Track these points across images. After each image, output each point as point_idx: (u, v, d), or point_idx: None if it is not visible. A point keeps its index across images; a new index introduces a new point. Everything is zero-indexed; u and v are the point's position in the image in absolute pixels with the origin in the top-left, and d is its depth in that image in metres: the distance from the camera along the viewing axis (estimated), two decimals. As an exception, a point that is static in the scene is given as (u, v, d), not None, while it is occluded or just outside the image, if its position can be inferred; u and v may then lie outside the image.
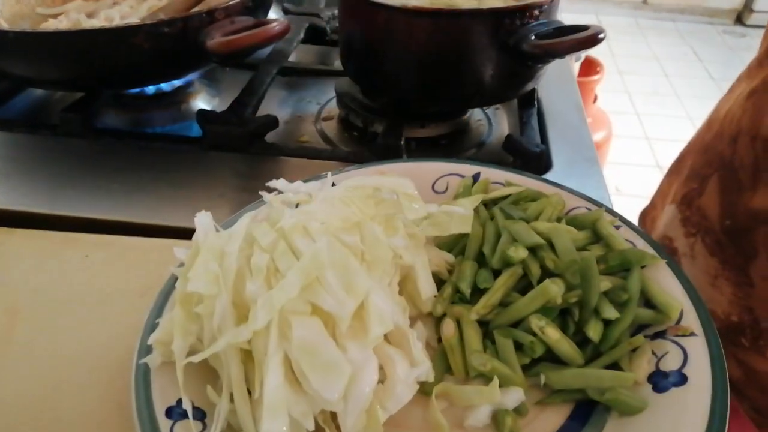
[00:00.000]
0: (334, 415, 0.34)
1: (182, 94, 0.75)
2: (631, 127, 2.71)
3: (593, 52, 2.30)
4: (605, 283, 0.39)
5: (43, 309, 0.44)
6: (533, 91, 0.72)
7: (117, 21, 0.71)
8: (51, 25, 0.72)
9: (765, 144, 0.49)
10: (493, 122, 0.74)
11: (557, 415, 0.36)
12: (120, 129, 0.70)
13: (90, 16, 0.75)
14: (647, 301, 0.40)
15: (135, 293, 0.46)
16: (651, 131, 2.70)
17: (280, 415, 0.32)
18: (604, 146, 1.89)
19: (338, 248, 0.38)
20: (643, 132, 2.69)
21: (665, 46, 3.51)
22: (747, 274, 0.52)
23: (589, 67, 1.94)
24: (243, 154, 0.63)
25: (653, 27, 3.75)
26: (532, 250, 0.40)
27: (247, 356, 0.35)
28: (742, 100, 0.52)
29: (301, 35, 0.84)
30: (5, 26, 0.69)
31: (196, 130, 0.69)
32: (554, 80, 0.79)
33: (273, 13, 0.86)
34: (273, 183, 0.46)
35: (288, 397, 0.33)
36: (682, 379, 0.35)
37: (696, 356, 0.36)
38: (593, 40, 0.55)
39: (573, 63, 1.21)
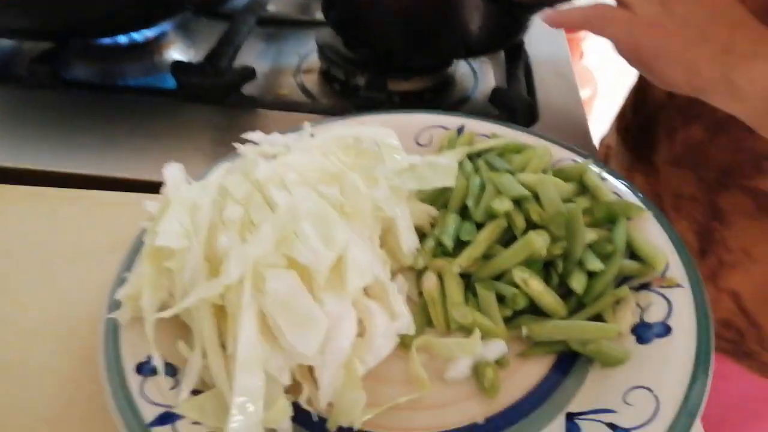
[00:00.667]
0: (311, 369, 0.33)
1: (155, 45, 0.72)
2: (617, 86, 2.69)
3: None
4: (591, 235, 0.38)
5: (9, 265, 0.42)
6: (521, 43, 0.70)
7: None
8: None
9: None
10: (479, 76, 0.72)
11: (539, 366, 0.36)
12: (91, 81, 0.67)
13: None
14: (632, 253, 0.39)
15: (105, 249, 0.44)
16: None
17: (255, 370, 0.31)
18: (589, 104, 1.87)
19: (316, 200, 0.36)
20: (625, 87, 2.66)
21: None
22: (652, 162, 0.59)
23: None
24: (219, 107, 0.60)
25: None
26: (517, 202, 0.39)
27: (220, 311, 0.33)
28: None
29: (281, -16, 0.81)
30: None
31: (170, 83, 0.66)
32: (541, 32, 0.76)
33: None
34: (248, 135, 0.44)
35: (263, 351, 0.32)
36: (665, 330, 0.35)
37: (680, 307, 0.36)
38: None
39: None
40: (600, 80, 2.00)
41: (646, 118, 0.62)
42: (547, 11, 0.45)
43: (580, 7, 0.42)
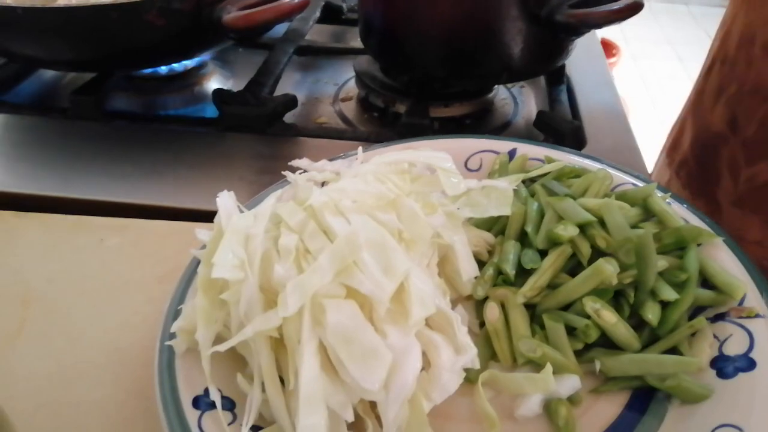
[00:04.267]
0: (374, 405, 0.31)
1: (195, 76, 0.73)
2: (646, 112, 2.67)
3: (607, 34, 2.25)
4: (661, 263, 0.36)
5: (57, 296, 0.42)
6: (562, 67, 0.69)
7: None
8: (61, 3, 0.69)
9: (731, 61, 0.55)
10: (519, 101, 0.71)
11: (613, 404, 0.34)
12: (133, 111, 0.68)
13: (100, -6, 0.72)
14: (704, 282, 0.37)
15: (153, 279, 0.43)
16: (665, 116, 2.65)
17: (318, 407, 0.29)
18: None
19: (374, 227, 0.35)
20: (657, 117, 2.64)
21: (679, 29, 3.45)
22: (716, 200, 0.56)
23: (605, 50, 1.90)
24: (261, 136, 0.60)
25: (666, 11, 3.68)
26: (581, 228, 0.37)
27: (278, 344, 0.32)
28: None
29: (317, 14, 0.81)
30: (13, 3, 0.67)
31: (209, 113, 0.67)
32: (581, 57, 0.75)
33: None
34: (296, 162, 0.44)
35: (325, 387, 0.30)
36: (749, 364, 0.33)
37: (764, 339, 0.33)
38: (633, 8, 0.52)
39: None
40: (628, 107, 1.99)
41: (705, 151, 0.58)
42: None
43: None
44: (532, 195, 0.42)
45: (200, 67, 0.73)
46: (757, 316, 0.35)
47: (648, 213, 0.40)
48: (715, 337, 0.35)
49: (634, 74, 2.99)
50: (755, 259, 0.53)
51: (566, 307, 0.36)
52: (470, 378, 0.34)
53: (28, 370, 0.37)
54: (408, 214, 0.36)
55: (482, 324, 0.37)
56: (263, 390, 0.31)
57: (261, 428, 0.30)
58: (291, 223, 0.35)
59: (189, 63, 0.71)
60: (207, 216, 0.40)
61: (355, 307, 0.32)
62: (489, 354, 0.36)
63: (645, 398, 0.34)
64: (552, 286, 0.36)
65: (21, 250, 0.45)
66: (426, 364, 0.32)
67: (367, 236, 0.34)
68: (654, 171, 0.71)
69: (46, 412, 0.35)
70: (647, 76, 2.98)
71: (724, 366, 0.33)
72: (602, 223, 0.38)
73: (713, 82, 0.59)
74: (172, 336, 0.33)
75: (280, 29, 0.75)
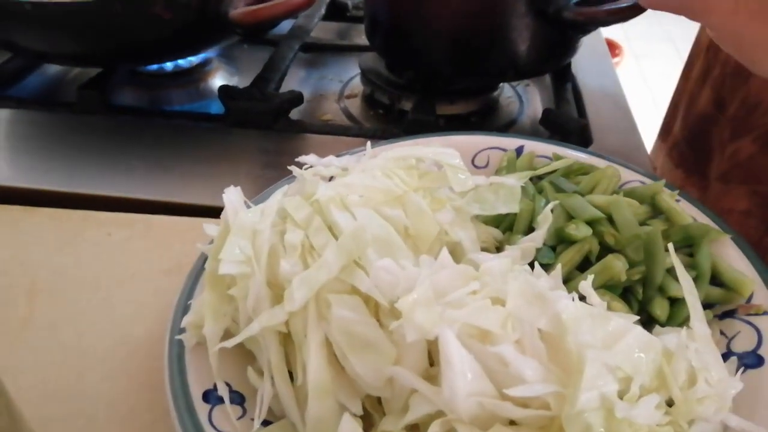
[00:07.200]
0: (381, 401, 0.31)
1: (200, 72, 0.73)
2: (648, 111, 2.66)
3: (610, 33, 2.25)
4: (670, 260, 0.36)
5: (65, 289, 0.42)
6: (568, 65, 0.69)
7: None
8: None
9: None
10: (524, 99, 0.71)
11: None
12: (138, 107, 0.68)
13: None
14: (712, 278, 0.37)
15: (160, 272, 0.43)
16: (668, 116, 2.65)
17: (327, 400, 0.29)
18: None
19: (380, 223, 0.35)
20: (660, 115, 2.64)
21: (681, 29, 3.44)
22: (707, 176, 0.60)
23: (609, 50, 1.90)
24: (266, 132, 0.60)
25: (668, 10, 3.67)
26: (590, 224, 0.37)
27: (287, 338, 0.32)
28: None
29: (323, 10, 0.81)
30: None
31: (215, 109, 0.67)
32: (587, 55, 0.75)
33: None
34: (303, 158, 0.44)
35: (333, 380, 0.30)
36: (758, 361, 0.33)
37: (772, 337, 0.33)
38: (639, 7, 0.52)
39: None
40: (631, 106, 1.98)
41: (695, 132, 0.62)
42: None
43: None
44: (540, 192, 0.42)
45: (205, 63, 0.73)
46: (765, 313, 0.35)
47: (656, 210, 0.40)
48: (723, 334, 0.35)
49: (636, 73, 2.98)
50: (745, 229, 0.54)
51: (574, 303, 0.36)
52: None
53: (36, 361, 0.37)
54: (415, 210, 0.36)
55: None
56: (273, 385, 0.31)
57: (270, 422, 0.30)
58: (297, 218, 0.35)
59: (194, 59, 0.71)
60: (213, 211, 0.40)
61: (359, 302, 0.31)
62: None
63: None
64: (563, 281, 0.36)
65: (29, 244, 0.45)
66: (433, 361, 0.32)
67: (373, 232, 0.34)
68: (651, 155, 0.74)
69: (54, 403, 0.35)
70: (650, 76, 2.97)
71: (731, 363, 0.33)
72: (610, 219, 0.38)
73: (700, 67, 0.64)
74: (182, 331, 0.33)
75: (286, 26, 0.74)
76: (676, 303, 0.35)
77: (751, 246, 0.38)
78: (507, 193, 0.40)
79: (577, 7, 0.54)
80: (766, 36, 0.36)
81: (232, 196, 0.38)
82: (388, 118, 0.67)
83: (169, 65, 0.70)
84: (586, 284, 0.30)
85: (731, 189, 0.58)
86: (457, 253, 0.38)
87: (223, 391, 0.31)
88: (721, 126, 0.58)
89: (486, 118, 0.67)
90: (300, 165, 0.42)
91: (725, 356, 0.34)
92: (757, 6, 0.36)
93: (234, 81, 0.73)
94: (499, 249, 0.40)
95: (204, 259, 0.37)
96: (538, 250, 0.36)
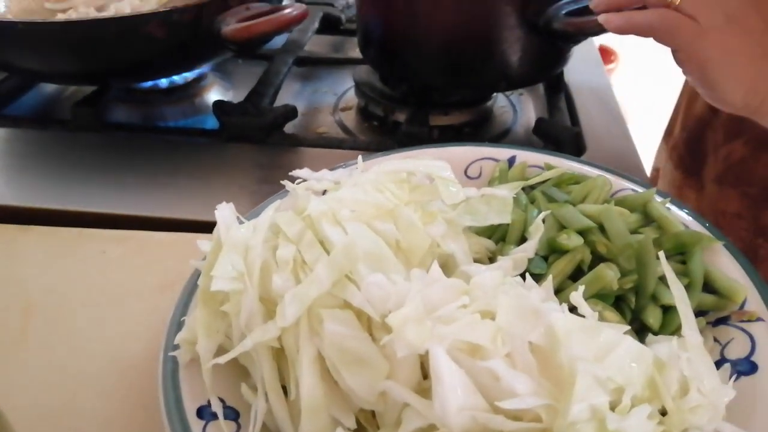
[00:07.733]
0: (374, 414, 0.31)
1: (195, 88, 0.73)
2: (644, 118, 2.67)
3: (605, 41, 2.26)
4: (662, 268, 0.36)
5: (59, 307, 0.42)
6: (561, 74, 0.69)
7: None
8: (61, 17, 0.69)
9: None
10: (518, 109, 0.72)
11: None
12: (133, 123, 0.68)
13: (99, 9, 0.72)
14: (705, 286, 0.37)
15: (154, 289, 0.43)
16: (664, 122, 2.65)
17: (321, 415, 0.29)
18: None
19: (371, 237, 0.35)
20: (656, 123, 2.65)
21: (676, 35, 3.45)
22: (703, 179, 0.61)
23: (604, 56, 1.91)
24: (261, 146, 0.60)
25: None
26: (581, 233, 0.37)
27: (280, 354, 0.32)
28: None
29: (316, 24, 0.82)
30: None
31: (209, 125, 0.67)
32: (579, 64, 0.76)
33: (286, 2, 0.83)
34: (296, 172, 0.44)
35: (326, 395, 0.30)
36: (751, 367, 0.33)
37: (765, 343, 0.33)
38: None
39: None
40: (626, 113, 1.99)
41: (691, 135, 0.62)
42: (610, 15, 0.43)
43: (644, 12, 0.41)
44: (532, 202, 0.42)
45: (200, 78, 0.74)
46: (758, 319, 0.35)
47: (648, 218, 0.40)
48: (717, 340, 0.35)
49: (632, 80, 2.99)
50: (736, 231, 0.54)
51: (568, 313, 0.36)
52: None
53: (31, 379, 0.37)
54: (406, 223, 0.36)
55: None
56: (267, 400, 0.31)
57: (264, 438, 0.30)
58: (289, 233, 0.35)
59: (189, 75, 0.72)
60: (208, 227, 0.40)
61: (351, 316, 0.31)
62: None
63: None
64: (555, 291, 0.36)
65: (24, 263, 0.45)
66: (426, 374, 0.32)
67: (364, 247, 0.34)
68: (655, 159, 0.76)
69: (49, 421, 0.35)
70: (645, 82, 2.98)
71: (726, 370, 0.33)
72: (602, 228, 0.38)
73: None
74: (176, 347, 0.33)
75: (280, 40, 0.75)
76: (669, 311, 0.35)
77: (743, 249, 0.39)
78: (499, 204, 0.40)
79: (568, 18, 0.54)
80: (726, 59, 0.37)
81: (224, 212, 0.38)
82: (383, 129, 0.67)
83: (163, 82, 0.70)
84: (576, 295, 0.30)
85: (724, 191, 0.58)
86: (449, 265, 0.38)
87: (217, 407, 0.31)
88: (716, 129, 0.59)
89: (480, 128, 0.68)
90: (293, 179, 0.42)
91: (719, 363, 0.34)
92: (719, 29, 0.36)
93: (229, 96, 0.74)
94: (492, 259, 0.40)
95: (197, 275, 0.37)
96: (530, 260, 0.36)
